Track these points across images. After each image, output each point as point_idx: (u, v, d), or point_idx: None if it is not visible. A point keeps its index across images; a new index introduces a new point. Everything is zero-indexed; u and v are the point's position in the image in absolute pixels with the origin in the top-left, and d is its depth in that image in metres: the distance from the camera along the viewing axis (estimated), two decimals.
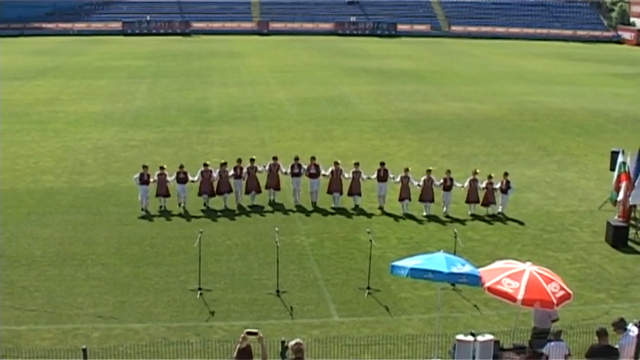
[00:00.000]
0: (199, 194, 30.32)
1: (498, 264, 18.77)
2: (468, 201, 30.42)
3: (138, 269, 24.25)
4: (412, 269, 17.97)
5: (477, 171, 31.03)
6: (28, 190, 32.52)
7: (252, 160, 31.07)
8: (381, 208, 30.73)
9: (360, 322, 20.95)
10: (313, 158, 31.53)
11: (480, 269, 18.42)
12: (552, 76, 75.79)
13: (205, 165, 30.60)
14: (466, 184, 30.35)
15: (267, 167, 31.15)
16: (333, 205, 30.78)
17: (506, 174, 30.73)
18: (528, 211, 31.02)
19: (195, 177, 30.35)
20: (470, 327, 20.24)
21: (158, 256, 25.37)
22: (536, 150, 41.93)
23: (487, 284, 17.58)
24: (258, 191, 30.87)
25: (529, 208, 31.41)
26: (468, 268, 17.95)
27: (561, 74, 77.99)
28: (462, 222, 29.43)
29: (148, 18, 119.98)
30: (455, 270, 17.71)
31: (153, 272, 24.02)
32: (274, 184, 31.15)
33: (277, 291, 22.55)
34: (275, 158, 31.49)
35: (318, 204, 30.99)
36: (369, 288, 22.76)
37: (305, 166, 31.22)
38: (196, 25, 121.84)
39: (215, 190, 30.48)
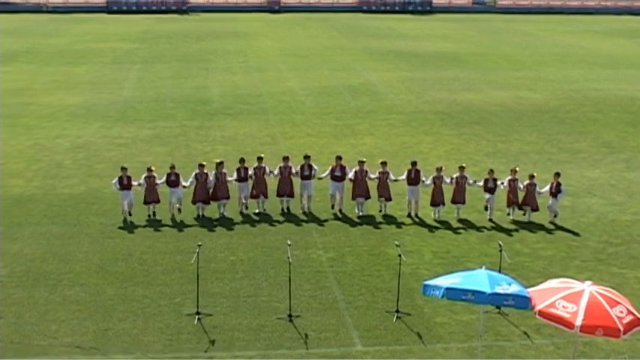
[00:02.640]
0: (193, 202, 30.42)
1: (552, 283, 18.75)
2: (508, 204, 30.62)
3: (124, 290, 24.31)
4: (448, 289, 17.97)
5: (517, 169, 31.08)
6: None
7: (259, 159, 31.08)
8: (410, 215, 30.80)
9: (388, 352, 20.94)
10: (339, 158, 31.46)
11: (530, 289, 18.42)
12: (620, 58, 75.55)
13: (201, 166, 30.67)
14: (505, 183, 30.52)
15: (277, 172, 31.09)
16: (358, 213, 30.83)
17: (557, 174, 30.72)
18: (589, 220, 30.94)
19: (187, 182, 30.40)
20: (518, 358, 20.22)
21: (148, 275, 25.44)
22: (599, 147, 41.85)
23: (538, 307, 17.55)
24: (266, 196, 30.94)
25: (590, 216, 31.33)
26: (515, 288, 17.92)
27: (632, 55, 77.82)
28: (508, 232, 29.41)
29: None
30: (499, 290, 17.70)
31: (142, 293, 24.08)
32: (287, 190, 31.08)
33: (290, 315, 22.57)
34: (286, 159, 31.46)
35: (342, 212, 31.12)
36: (398, 311, 22.76)
37: (317, 167, 31.35)
38: (194, 0, 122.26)
39: (210, 195, 30.55)
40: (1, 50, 75.21)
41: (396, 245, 24.04)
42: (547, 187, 30.34)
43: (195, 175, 30.30)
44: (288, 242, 24.23)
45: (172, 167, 30.71)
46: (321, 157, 37.09)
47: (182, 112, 49.00)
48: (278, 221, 30.17)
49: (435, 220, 30.36)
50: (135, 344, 21.14)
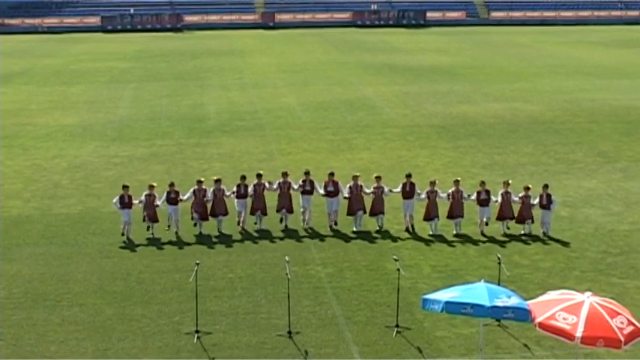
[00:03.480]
0: (192, 217, 30.43)
1: (552, 295, 18.71)
2: (499, 217, 30.36)
3: (123, 310, 24.23)
4: (448, 303, 17.94)
5: (509, 182, 30.94)
6: None
7: (259, 176, 31.16)
8: (408, 229, 30.73)
9: None
10: (332, 174, 31.36)
11: (530, 301, 18.38)
12: (615, 68, 75.67)
13: (199, 182, 30.71)
14: (498, 197, 30.32)
15: (275, 186, 31.08)
16: (354, 229, 30.73)
17: (546, 186, 30.40)
18: (587, 230, 30.89)
19: (185, 195, 30.43)
20: None
21: (147, 294, 25.37)
22: (595, 157, 41.85)
23: (538, 319, 17.50)
24: (265, 213, 30.92)
25: (588, 227, 31.28)
26: (514, 301, 17.89)
27: (626, 65, 77.94)
28: (506, 244, 29.28)
29: (132, 11, 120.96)
30: (499, 303, 17.66)
31: (141, 313, 24.01)
32: (286, 205, 31.03)
33: (289, 332, 22.50)
34: (285, 174, 31.45)
35: (337, 227, 30.96)
36: (397, 326, 22.68)
37: (318, 184, 31.18)
38: (189, 18, 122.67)
39: (208, 212, 30.57)
40: None
41: (395, 260, 23.99)
42: (537, 200, 30.11)
43: (194, 191, 30.34)
44: (287, 258, 24.20)
45: (172, 185, 30.69)
46: (319, 173, 36.95)
47: (178, 130, 48.98)
48: (276, 238, 30.09)
49: (431, 235, 30.20)
50: None
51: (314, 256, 28.43)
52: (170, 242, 29.65)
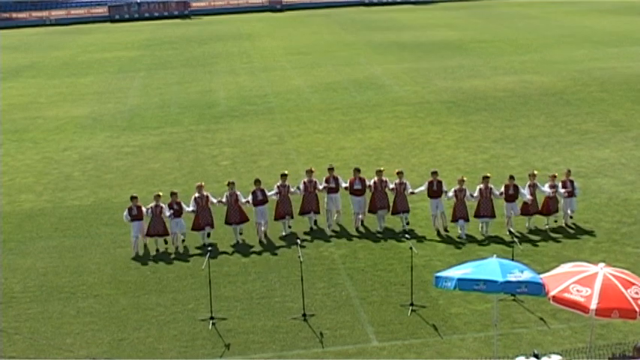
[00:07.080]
0: (197, 229, 28.10)
1: (565, 267, 18.64)
2: (524, 212, 28.09)
3: (137, 299, 24.31)
4: (460, 280, 17.86)
5: (535, 173, 28.56)
6: (3, 214, 32.71)
7: (283, 177, 28.75)
8: (439, 233, 28.18)
9: (404, 347, 20.85)
10: (358, 170, 29.06)
11: (543, 275, 18.31)
12: (626, 36, 75.16)
13: (199, 187, 28.26)
14: (526, 190, 27.91)
15: (301, 187, 28.74)
16: (378, 229, 28.69)
17: (568, 172, 28.72)
18: (601, 201, 30.73)
19: (188, 208, 27.90)
20: (536, 345, 20.06)
21: (161, 282, 25.43)
22: (607, 126, 41.64)
23: (552, 293, 17.43)
24: (293, 216, 28.75)
25: (602, 197, 31.12)
26: (527, 275, 17.79)
27: (637, 32, 77.43)
28: (520, 218, 28.55)
29: (139, 0, 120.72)
30: (512, 278, 17.57)
31: (155, 301, 24.08)
32: (314, 206, 28.77)
33: (304, 315, 22.53)
34: (310, 172, 28.96)
35: (359, 228, 29.11)
36: (412, 304, 22.69)
37: (343, 182, 28.91)
38: (196, 4, 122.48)
39: (225, 219, 28.27)
40: (6, 66, 75.32)
41: (407, 238, 23.93)
42: (562, 189, 27.90)
43: (195, 199, 27.93)
44: (298, 241, 24.20)
45: (173, 195, 27.96)
46: (329, 154, 37.04)
47: (188, 117, 48.94)
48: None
49: (459, 238, 27.85)
50: (150, 353, 21.14)
51: (327, 237, 28.35)
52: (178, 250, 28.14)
